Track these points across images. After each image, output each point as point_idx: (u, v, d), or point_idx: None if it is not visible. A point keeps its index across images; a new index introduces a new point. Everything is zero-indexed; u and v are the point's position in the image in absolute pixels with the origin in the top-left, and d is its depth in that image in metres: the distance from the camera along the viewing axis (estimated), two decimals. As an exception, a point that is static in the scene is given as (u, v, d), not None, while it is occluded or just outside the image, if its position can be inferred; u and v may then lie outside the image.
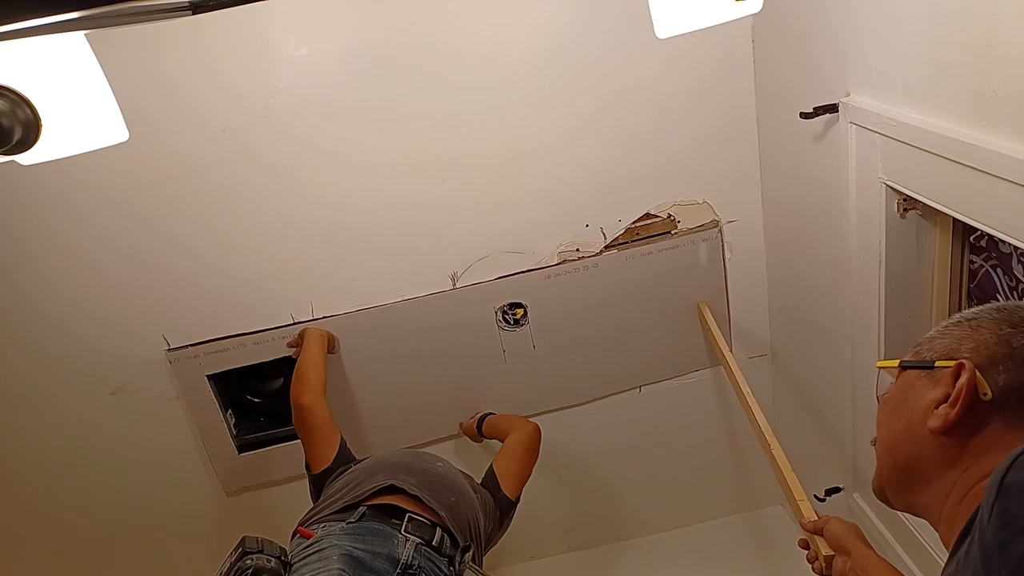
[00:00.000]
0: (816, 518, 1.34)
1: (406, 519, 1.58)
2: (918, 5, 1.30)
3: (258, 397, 2.40)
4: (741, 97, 2.11)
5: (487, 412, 2.32)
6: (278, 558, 1.42)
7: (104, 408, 2.27)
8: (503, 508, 1.87)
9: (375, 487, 1.62)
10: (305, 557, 1.46)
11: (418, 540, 1.55)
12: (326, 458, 1.87)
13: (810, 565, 1.26)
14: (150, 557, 2.54)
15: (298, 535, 1.56)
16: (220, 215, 2.07)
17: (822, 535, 1.23)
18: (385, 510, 1.60)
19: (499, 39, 1.98)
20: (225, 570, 1.37)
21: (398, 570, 1.48)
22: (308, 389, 1.95)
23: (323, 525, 1.56)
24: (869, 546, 1.13)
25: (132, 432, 2.31)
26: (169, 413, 2.29)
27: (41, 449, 2.32)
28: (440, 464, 1.80)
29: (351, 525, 1.54)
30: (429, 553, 1.55)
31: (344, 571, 1.42)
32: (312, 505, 1.81)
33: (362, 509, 1.58)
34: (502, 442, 2.14)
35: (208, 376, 2.24)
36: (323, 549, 1.47)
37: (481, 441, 2.34)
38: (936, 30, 1.27)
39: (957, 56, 1.23)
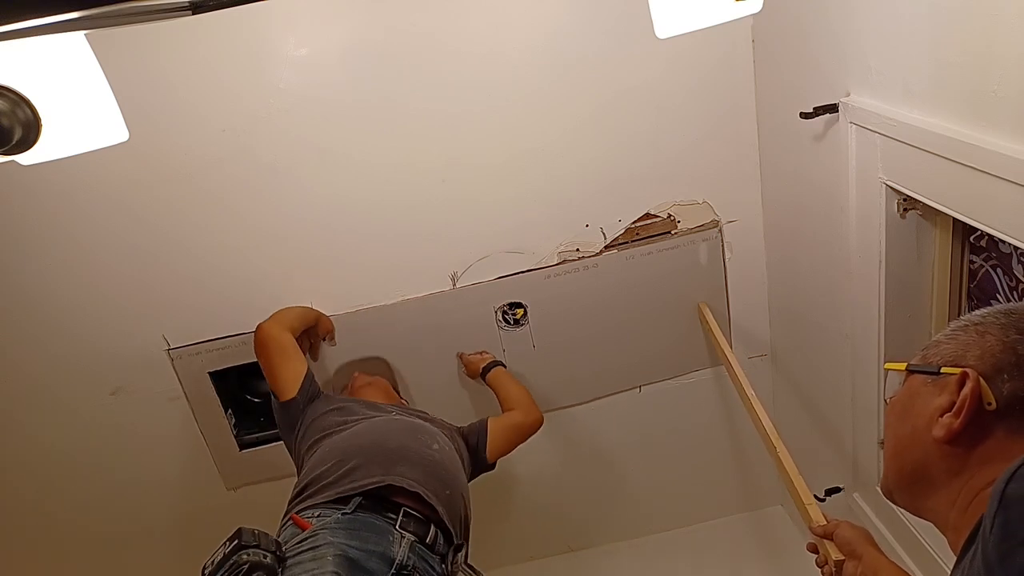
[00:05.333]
0: (825, 522, 1.33)
1: (401, 514, 1.55)
2: (918, 5, 1.30)
3: (257, 397, 2.40)
4: (741, 97, 2.11)
5: (498, 360, 2.27)
6: (274, 552, 1.39)
7: (104, 408, 2.27)
8: (480, 468, 1.91)
9: (372, 483, 1.58)
10: (300, 553, 1.44)
11: (413, 538, 1.52)
12: (291, 385, 1.85)
13: (819, 569, 1.26)
14: (151, 553, 2.54)
15: (292, 523, 1.53)
16: (220, 215, 2.07)
17: (832, 539, 1.23)
18: (380, 500, 1.57)
19: (499, 39, 1.98)
20: (218, 559, 1.34)
21: (392, 570, 1.45)
22: (271, 320, 1.97)
23: (318, 514, 1.53)
24: (880, 550, 1.13)
25: (132, 432, 2.31)
26: (169, 412, 2.29)
27: (42, 449, 2.32)
28: (436, 446, 1.76)
29: (346, 517, 1.51)
30: (423, 551, 1.52)
31: (338, 574, 1.39)
32: (296, 465, 1.81)
33: (357, 499, 1.55)
34: (498, 398, 2.17)
35: (210, 373, 2.24)
36: (318, 546, 1.44)
37: (476, 376, 2.29)
38: (936, 30, 1.27)
39: (957, 56, 1.23)
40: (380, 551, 1.47)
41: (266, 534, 1.43)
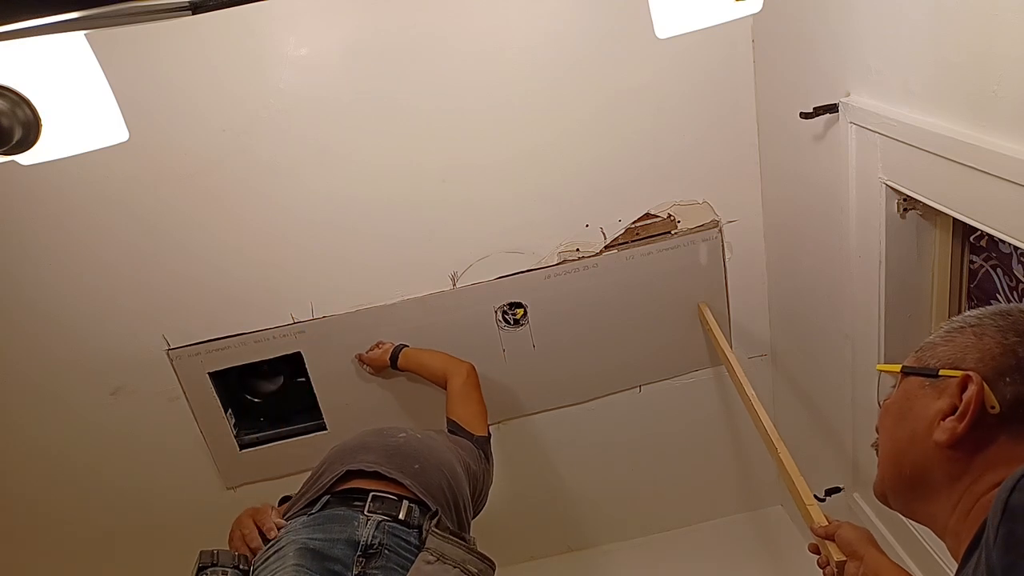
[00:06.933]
0: (826, 523, 1.33)
1: (369, 498, 1.54)
2: (918, 5, 1.30)
3: (257, 397, 2.40)
4: (741, 97, 2.11)
5: (401, 344, 2.24)
6: (235, 567, 1.43)
7: (104, 408, 2.27)
8: (482, 447, 1.91)
9: (333, 477, 1.59)
10: (266, 559, 1.45)
11: (380, 517, 1.50)
12: None
13: (821, 570, 1.26)
14: (151, 553, 2.54)
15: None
16: (220, 215, 2.07)
17: (833, 540, 1.23)
18: (348, 494, 1.56)
19: (499, 39, 1.98)
20: None
21: (358, 552, 1.44)
22: None
23: (287, 523, 1.54)
24: (881, 551, 1.13)
25: (132, 432, 2.31)
26: (169, 413, 2.29)
27: (41, 449, 2.32)
28: (402, 435, 1.75)
29: (312, 516, 1.51)
30: (394, 528, 1.50)
31: (301, 566, 1.39)
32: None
33: (325, 498, 1.55)
34: (425, 377, 2.17)
35: (209, 373, 2.24)
36: (281, 547, 1.45)
37: (385, 369, 2.26)
38: (936, 30, 1.27)
39: (957, 56, 1.23)
40: (345, 537, 1.46)
41: (225, 551, 1.47)
